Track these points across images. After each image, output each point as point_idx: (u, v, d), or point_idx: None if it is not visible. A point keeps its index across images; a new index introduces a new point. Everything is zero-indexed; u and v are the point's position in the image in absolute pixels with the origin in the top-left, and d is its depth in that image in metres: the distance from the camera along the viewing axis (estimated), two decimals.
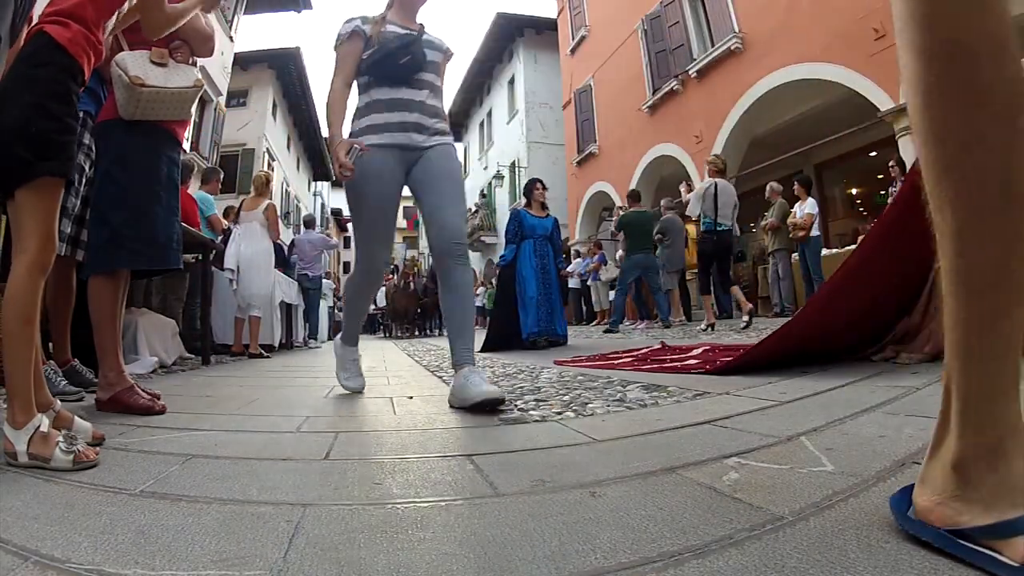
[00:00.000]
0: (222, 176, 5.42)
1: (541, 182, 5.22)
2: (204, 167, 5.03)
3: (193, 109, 2.01)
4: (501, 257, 5.12)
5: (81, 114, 1.38)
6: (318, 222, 23.77)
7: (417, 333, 11.94)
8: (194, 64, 1.92)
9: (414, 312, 11.48)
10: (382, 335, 13.18)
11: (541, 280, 4.87)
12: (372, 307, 16.24)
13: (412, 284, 11.10)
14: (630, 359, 2.86)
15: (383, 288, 12.69)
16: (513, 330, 4.76)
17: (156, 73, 1.73)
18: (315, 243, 7.43)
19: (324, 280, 8.67)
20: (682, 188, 7.00)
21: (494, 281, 9.77)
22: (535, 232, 4.92)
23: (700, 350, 3.01)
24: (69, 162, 1.17)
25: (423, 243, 29.03)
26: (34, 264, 1.10)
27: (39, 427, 1.02)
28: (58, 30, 1.18)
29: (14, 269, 1.10)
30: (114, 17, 1.35)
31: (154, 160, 1.82)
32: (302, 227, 7.83)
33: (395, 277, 12.38)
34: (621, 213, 7.61)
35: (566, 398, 1.71)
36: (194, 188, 5.02)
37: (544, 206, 5.18)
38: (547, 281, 4.89)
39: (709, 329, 5.60)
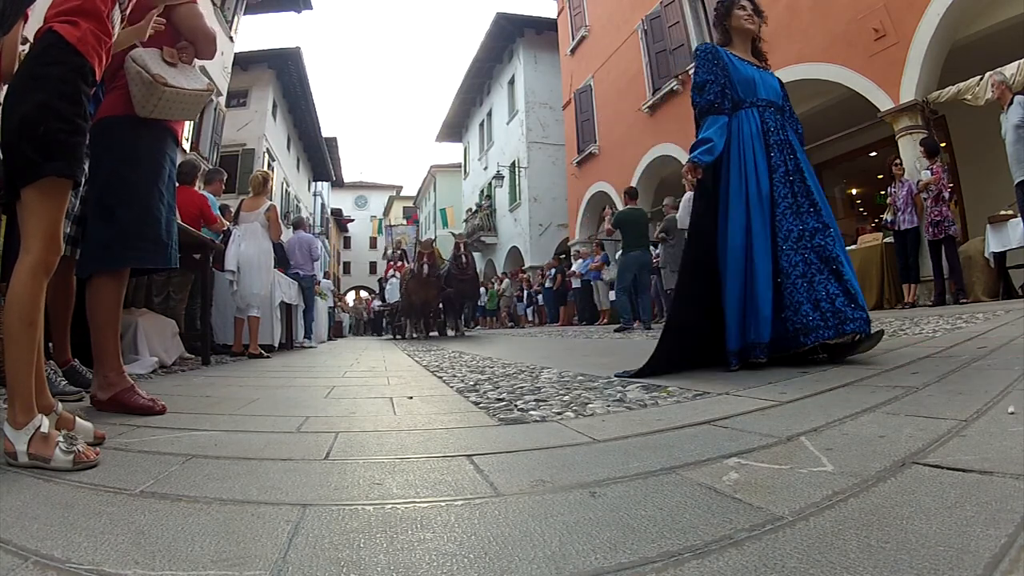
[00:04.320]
0: (225, 177, 5.42)
1: None
2: (207, 168, 5.01)
3: None
4: (700, 149, 2.29)
5: None
6: (318, 222, 23.73)
7: (436, 333, 9.35)
8: (194, 66, 1.92)
9: (435, 306, 8.83)
10: (390, 336, 10.97)
11: (786, 198, 2.15)
12: (379, 304, 15.47)
13: (427, 269, 8.06)
14: None
15: (395, 280, 10.88)
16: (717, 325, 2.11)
17: (171, 73, 1.74)
18: (303, 244, 7.36)
19: (324, 280, 8.62)
20: (667, 201, 7.01)
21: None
22: (756, 93, 2.31)
23: None
24: (76, 163, 1.16)
25: (422, 236, 28.96)
26: (37, 265, 1.09)
27: (39, 427, 1.02)
28: (68, 29, 1.17)
29: (17, 269, 1.09)
30: (117, 8, 1.34)
31: (160, 159, 1.82)
32: (291, 228, 7.71)
33: (406, 264, 10.17)
34: (612, 212, 7.67)
35: (566, 398, 1.71)
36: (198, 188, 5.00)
37: (757, 48, 2.47)
38: (794, 204, 2.15)
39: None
